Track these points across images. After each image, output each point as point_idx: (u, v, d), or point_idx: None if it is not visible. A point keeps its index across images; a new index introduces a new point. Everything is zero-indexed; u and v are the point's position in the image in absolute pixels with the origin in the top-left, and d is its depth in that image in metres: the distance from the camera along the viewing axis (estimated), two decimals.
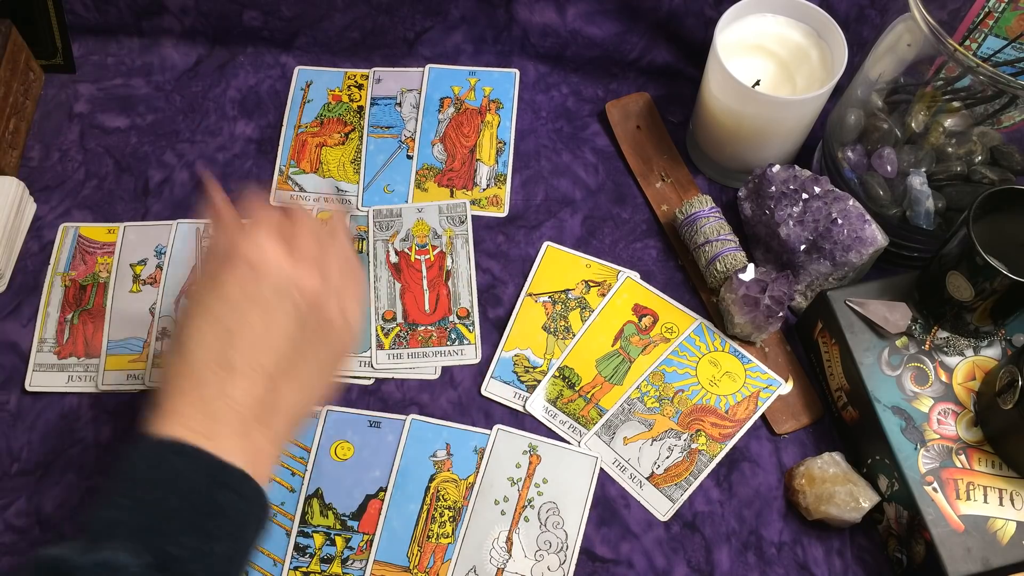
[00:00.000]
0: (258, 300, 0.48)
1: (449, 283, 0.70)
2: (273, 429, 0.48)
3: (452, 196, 0.75)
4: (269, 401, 0.47)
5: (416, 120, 0.79)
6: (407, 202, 0.75)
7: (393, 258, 0.72)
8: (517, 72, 0.81)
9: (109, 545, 0.41)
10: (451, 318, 0.69)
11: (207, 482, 0.44)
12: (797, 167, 0.69)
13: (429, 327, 0.69)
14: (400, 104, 0.80)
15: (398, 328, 0.69)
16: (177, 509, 0.42)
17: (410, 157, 0.77)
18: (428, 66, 0.81)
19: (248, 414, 0.46)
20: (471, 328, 0.69)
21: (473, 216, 0.74)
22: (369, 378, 0.67)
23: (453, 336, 0.68)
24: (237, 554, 0.45)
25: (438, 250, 0.72)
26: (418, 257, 0.72)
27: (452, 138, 0.78)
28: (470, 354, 0.68)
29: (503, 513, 0.62)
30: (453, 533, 0.62)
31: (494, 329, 0.69)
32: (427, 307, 0.70)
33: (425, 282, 0.71)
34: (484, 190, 0.75)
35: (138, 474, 0.43)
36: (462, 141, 0.78)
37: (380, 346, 0.68)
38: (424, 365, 0.67)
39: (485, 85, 0.81)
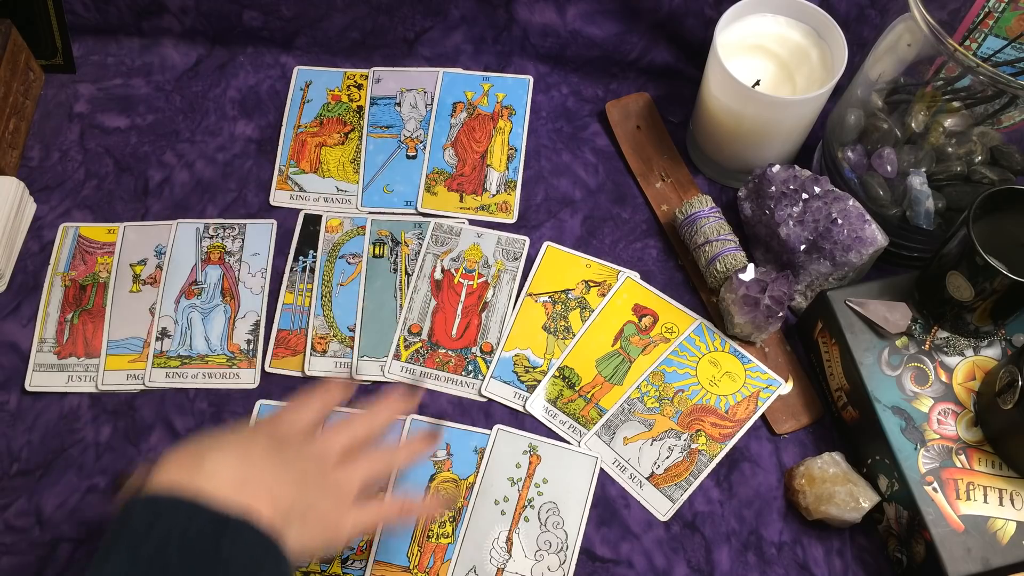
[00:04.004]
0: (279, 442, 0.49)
1: (483, 315, 0.70)
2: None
3: (461, 201, 0.75)
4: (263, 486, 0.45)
5: (416, 120, 0.79)
6: (416, 207, 0.74)
7: (438, 274, 0.71)
8: (531, 79, 0.80)
9: None
10: (474, 349, 0.68)
11: (209, 531, 0.40)
12: (797, 167, 0.69)
13: (450, 352, 0.68)
14: (400, 104, 0.80)
15: (420, 344, 0.68)
16: (177, 566, 0.39)
17: (410, 157, 0.77)
18: (441, 70, 0.81)
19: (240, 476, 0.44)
20: (489, 364, 0.68)
21: (481, 221, 0.74)
22: (369, 381, 0.67)
23: (470, 368, 0.68)
24: None
25: (483, 279, 0.71)
26: (461, 280, 0.71)
27: (464, 143, 0.78)
28: (475, 389, 0.67)
29: (503, 513, 0.62)
30: (453, 533, 0.62)
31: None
32: (455, 332, 0.69)
33: (460, 307, 0.70)
34: (494, 196, 0.75)
35: (135, 526, 0.40)
36: (473, 147, 0.77)
37: (397, 356, 0.68)
38: (433, 387, 0.67)
39: (499, 91, 0.80)
